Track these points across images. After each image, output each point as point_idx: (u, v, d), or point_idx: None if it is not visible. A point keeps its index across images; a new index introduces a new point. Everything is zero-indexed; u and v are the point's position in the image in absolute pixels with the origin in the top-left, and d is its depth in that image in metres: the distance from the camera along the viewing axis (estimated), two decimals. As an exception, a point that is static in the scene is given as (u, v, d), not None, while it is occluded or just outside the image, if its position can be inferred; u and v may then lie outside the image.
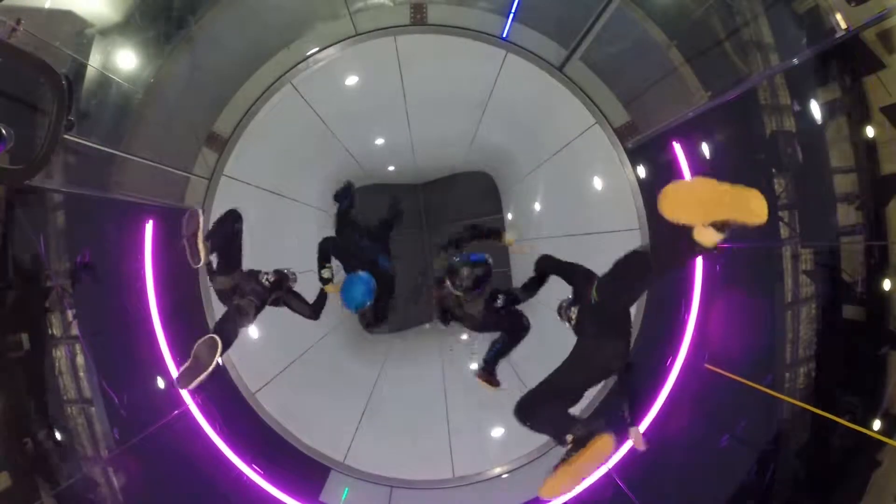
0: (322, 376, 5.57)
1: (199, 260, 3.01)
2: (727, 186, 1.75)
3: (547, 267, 3.32)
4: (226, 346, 2.75)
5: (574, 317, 2.84)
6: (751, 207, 1.74)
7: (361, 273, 3.65)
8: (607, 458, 2.26)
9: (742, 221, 1.73)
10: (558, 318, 3.08)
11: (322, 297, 3.84)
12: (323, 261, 3.86)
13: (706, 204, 1.76)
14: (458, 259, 3.27)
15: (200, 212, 3.08)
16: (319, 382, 5.49)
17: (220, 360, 2.66)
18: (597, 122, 4.85)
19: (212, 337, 2.66)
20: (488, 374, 3.68)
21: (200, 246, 2.99)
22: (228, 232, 3.28)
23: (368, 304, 3.61)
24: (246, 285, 3.25)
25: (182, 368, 2.65)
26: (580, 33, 4.47)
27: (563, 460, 2.32)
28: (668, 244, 2.13)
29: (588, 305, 2.67)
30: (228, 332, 2.91)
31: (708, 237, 1.85)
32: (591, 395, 4.82)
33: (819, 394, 4.30)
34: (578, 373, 2.71)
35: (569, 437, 2.35)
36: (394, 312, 4.40)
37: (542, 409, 2.56)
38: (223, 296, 3.27)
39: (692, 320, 4.39)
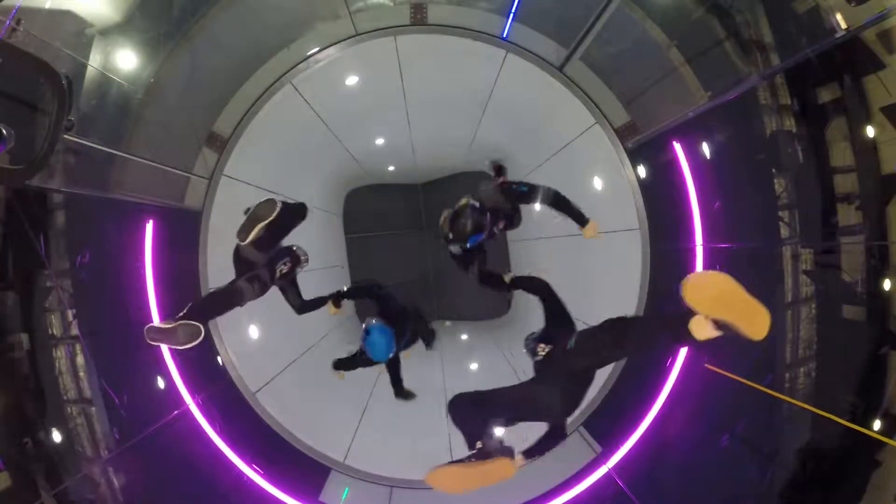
0: (322, 376, 5.56)
1: (245, 239, 3.06)
2: (745, 294, 1.80)
3: (540, 293, 3.22)
4: (206, 321, 2.76)
5: (542, 354, 2.80)
6: (755, 322, 1.80)
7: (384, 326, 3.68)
8: (499, 480, 2.26)
9: (742, 331, 1.78)
10: (524, 347, 3.06)
11: (317, 305, 3.89)
12: (353, 296, 3.89)
13: (719, 299, 1.80)
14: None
15: (279, 206, 3.11)
16: (319, 382, 5.49)
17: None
18: (597, 122, 4.85)
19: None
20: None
21: (256, 229, 3.04)
22: (287, 222, 3.28)
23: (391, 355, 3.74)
24: (261, 270, 3.23)
25: (161, 326, 2.61)
26: (580, 33, 4.47)
27: (461, 461, 2.32)
28: (659, 324, 2.15)
29: (561, 350, 2.62)
30: (216, 308, 2.97)
31: (703, 330, 1.91)
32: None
33: (819, 394, 4.30)
34: (519, 406, 2.71)
35: (478, 444, 2.37)
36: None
37: (471, 413, 2.56)
38: (238, 262, 3.24)
39: (692, 320, 4.38)
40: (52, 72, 2.21)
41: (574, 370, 2.57)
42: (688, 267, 4.46)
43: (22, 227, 4.04)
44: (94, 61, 3.95)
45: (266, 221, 3.06)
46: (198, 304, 2.86)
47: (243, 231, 3.07)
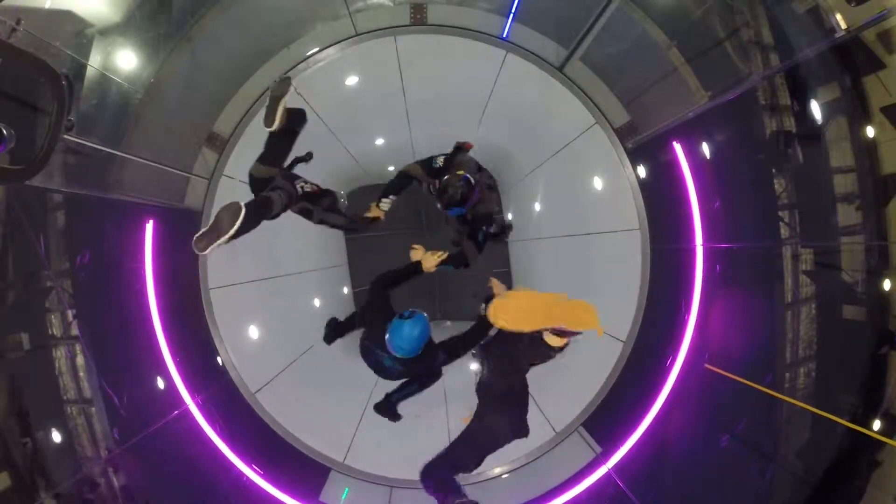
0: (322, 376, 5.57)
1: (272, 124, 3.03)
2: (556, 298, 1.86)
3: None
4: (245, 226, 2.66)
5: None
6: (580, 320, 1.83)
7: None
8: None
9: (575, 330, 1.82)
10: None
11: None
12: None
13: (534, 313, 1.85)
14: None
15: (293, 82, 3.10)
16: (319, 382, 5.49)
17: (235, 231, 2.54)
18: (597, 122, 4.85)
19: (237, 203, 2.59)
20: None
21: (280, 110, 3.02)
22: (293, 124, 3.24)
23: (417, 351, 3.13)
24: (280, 182, 3.22)
25: (201, 231, 2.56)
26: (580, 33, 4.47)
27: None
28: (529, 345, 2.19)
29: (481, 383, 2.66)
30: (253, 215, 2.80)
31: (553, 340, 2.00)
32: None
33: (819, 394, 4.30)
34: (481, 446, 2.73)
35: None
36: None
37: (443, 479, 2.60)
38: (255, 184, 3.23)
39: (692, 320, 4.39)
40: (52, 72, 2.21)
41: (496, 392, 2.62)
42: (688, 267, 4.46)
43: (22, 227, 4.04)
44: (94, 61, 3.94)
45: (286, 97, 3.00)
46: None
47: (268, 117, 3.03)
